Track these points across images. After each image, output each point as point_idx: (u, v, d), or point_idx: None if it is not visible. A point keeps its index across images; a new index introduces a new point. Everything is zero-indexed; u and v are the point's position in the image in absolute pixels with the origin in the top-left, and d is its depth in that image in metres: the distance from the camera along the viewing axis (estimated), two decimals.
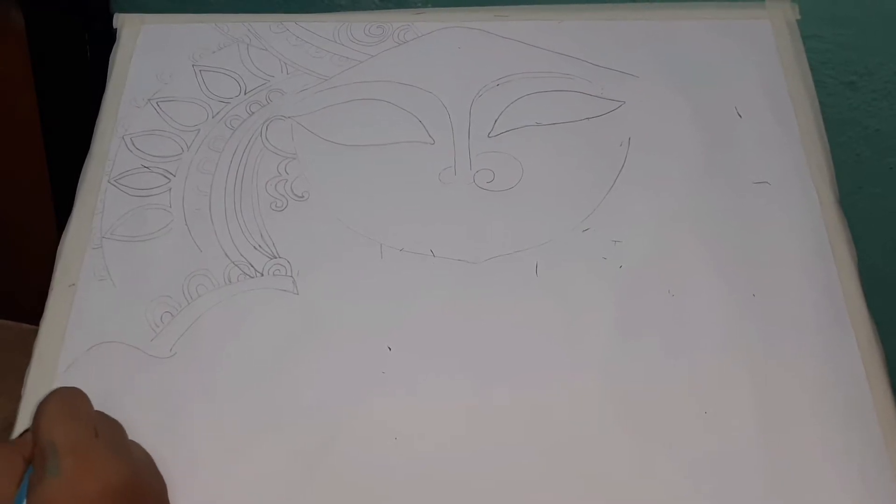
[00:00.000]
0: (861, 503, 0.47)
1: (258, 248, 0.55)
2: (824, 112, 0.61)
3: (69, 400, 0.43)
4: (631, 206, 0.56)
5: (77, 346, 0.52)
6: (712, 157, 0.58)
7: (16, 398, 0.51)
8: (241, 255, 0.55)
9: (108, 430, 0.43)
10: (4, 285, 1.01)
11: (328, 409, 0.50)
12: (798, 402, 0.50)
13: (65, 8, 0.81)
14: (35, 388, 0.51)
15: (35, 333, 0.53)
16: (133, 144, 0.59)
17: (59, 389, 0.44)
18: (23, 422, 0.50)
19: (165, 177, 0.58)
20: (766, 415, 0.49)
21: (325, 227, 0.56)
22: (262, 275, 0.54)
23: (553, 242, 0.55)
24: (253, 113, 0.61)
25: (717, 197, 0.57)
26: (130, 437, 0.47)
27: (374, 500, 0.47)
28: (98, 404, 0.50)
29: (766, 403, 0.50)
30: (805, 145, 0.59)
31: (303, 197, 0.57)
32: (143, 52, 0.63)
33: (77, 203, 0.57)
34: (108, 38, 0.64)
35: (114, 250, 0.55)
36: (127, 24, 0.64)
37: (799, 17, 0.63)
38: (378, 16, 0.65)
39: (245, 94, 0.61)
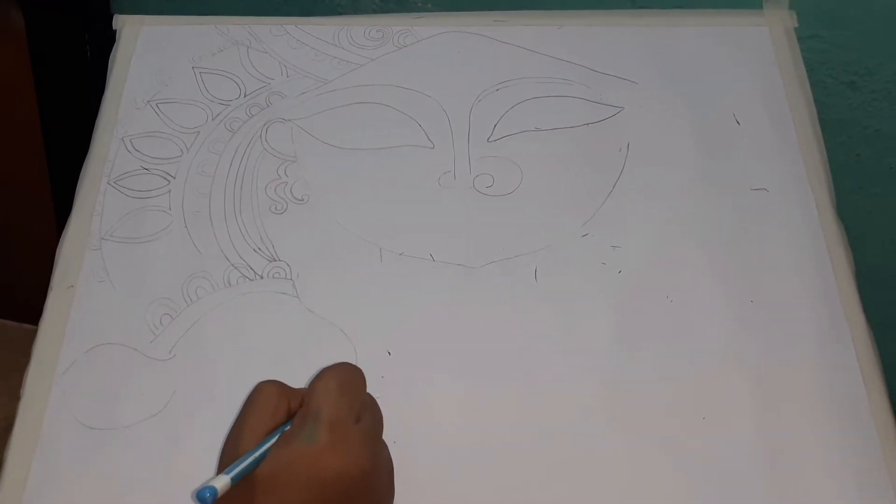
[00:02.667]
0: None
1: (258, 250, 0.55)
2: (824, 112, 0.61)
3: (348, 378, 0.43)
4: (630, 212, 0.56)
5: (76, 347, 0.52)
6: (710, 164, 0.58)
7: (17, 397, 0.51)
8: (241, 258, 0.55)
9: (370, 421, 0.43)
10: (4, 285, 1.01)
11: None
12: (795, 406, 0.50)
13: (65, 8, 0.81)
14: (33, 389, 0.51)
15: (35, 333, 0.53)
16: (132, 146, 0.59)
17: (344, 365, 0.44)
18: (22, 422, 0.50)
19: (165, 178, 0.58)
20: (763, 419, 0.50)
21: (325, 231, 0.56)
22: (262, 277, 0.54)
23: (552, 247, 0.55)
24: (253, 115, 0.61)
25: (715, 203, 0.57)
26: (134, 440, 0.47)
27: None
28: (97, 406, 0.50)
29: (764, 408, 0.50)
30: (803, 152, 0.59)
31: (302, 200, 0.57)
32: (143, 53, 0.63)
33: (76, 204, 0.57)
34: (108, 38, 0.64)
35: (113, 252, 0.55)
36: (127, 26, 0.64)
37: (797, 24, 0.63)
38: (378, 19, 0.65)
39: (245, 96, 0.61)
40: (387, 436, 0.49)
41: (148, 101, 0.61)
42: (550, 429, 0.49)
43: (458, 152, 0.59)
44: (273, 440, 0.41)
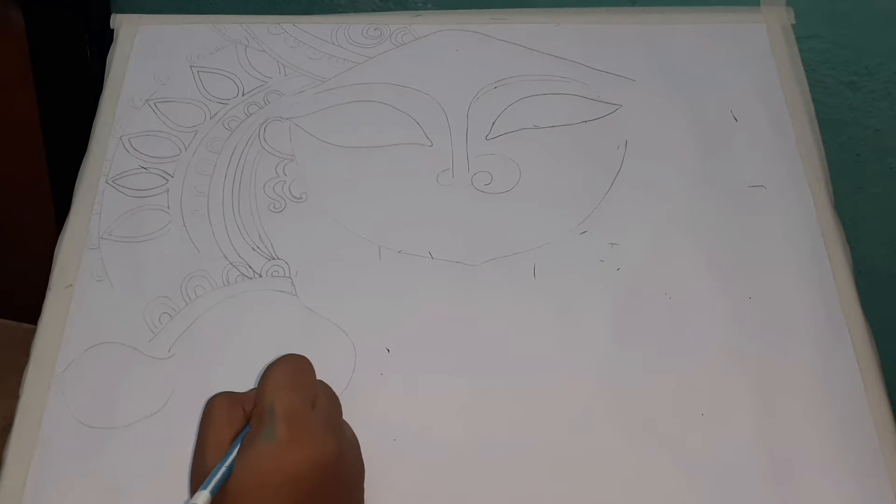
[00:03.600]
0: None
1: (256, 249, 0.55)
2: (824, 112, 0.61)
3: (295, 368, 0.44)
4: (628, 209, 0.56)
5: (75, 346, 0.52)
6: (708, 161, 0.58)
7: (16, 397, 0.51)
8: (240, 257, 0.55)
9: (326, 405, 0.44)
10: (4, 285, 1.01)
11: None
12: (794, 404, 0.50)
13: (65, 8, 0.81)
14: (33, 389, 0.51)
15: (34, 333, 0.53)
16: (131, 145, 0.59)
17: (288, 356, 0.44)
18: (22, 422, 0.50)
19: (163, 178, 0.58)
20: (762, 416, 0.50)
21: (324, 229, 0.56)
22: (261, 276, 0.54)
23: (550, 245, 0.55)
24: (251, 114, 0.61)
25: (713, 200, 0.57)
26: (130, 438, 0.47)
27: (373, 501, 0.48)
28: (96, 405, 0.50)
29: (762, 405, 0.50)
30: (800, 149, 0.59)
31: (301, 198, 0.57)
32: (141, 52, 0.63)
33: (74, 204, 0.57)
34: (108, 38, 0.64)
35: (112, 251, 0.55)
36: (125, 25, 0.65)
37: (794, 21, 0.63)
38: (376, 18, 0.65)
39: (243, 95, 0.61)
40: (386, 433, 0.49)
41: (146, 100, 0.61)
42: (549, 425, 0.50)
43: (457, 150, 0.59)
44: (235, 447, 0.41)
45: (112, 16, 0.65)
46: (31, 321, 0.53)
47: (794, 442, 0.49)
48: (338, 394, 0.50)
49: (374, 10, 0.74)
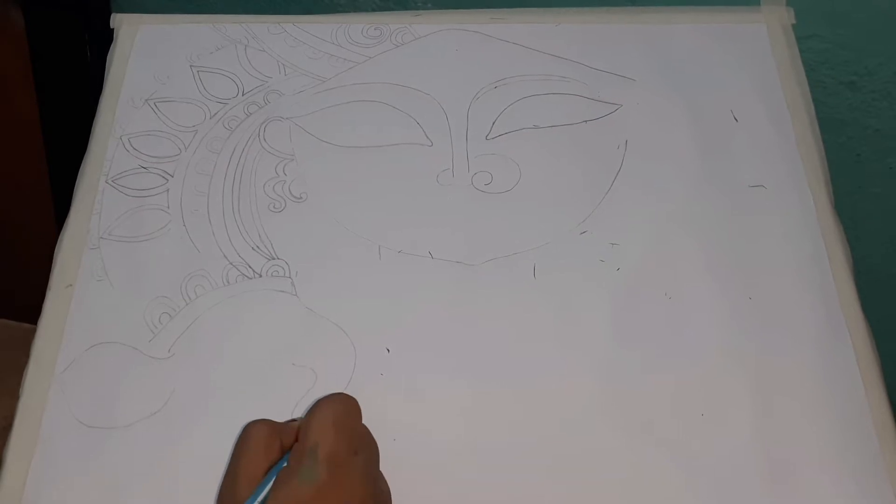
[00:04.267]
0: None
1: (256, 249, 0.55)
2: (824, 112, 0.61)
3: (344, 410, 0.43)
4: (628, 209, 0.56)
5: (75, 346, 0.52)
6: (709, 161, 0.58)
7: (16, 397, 0.51)
8: (240, 257, 0.55)
9: (367, 452, 0.43)
10: (4, 285, 1.01)
11: None
12: (794, 404, 0.50)
13: (65, 7, 0.81)
14: (33, 389, 0.51)
15: (34, 332, 0.53)
16: (131, 145, 0.59)
17: (339, 396, 0.44)
18: (22, 421, 0.50)
19: (163, 177, 0.58)
20: (761, 417, 0.50)
21: (324, 229, 0.56)
22: (261, 276, 0.54)
23: (550, 245, 0.55)
24: (251, 114, 0.61)
25: (713, 200, 0.57)
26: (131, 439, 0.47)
27: None
28: (96, 405, 0.50)
29: (762, 405, 0.50)
30: (801, 149, 0.59)
31: (301, 198, 0.57)
32: (141, 52, 0.63)
33: (74, 203, 0.57)
34: (108, 37, 0.64)
35: (112, 251, 0.55)
36: (124, 25, 0.64)
37: (794, 20, 0.63)
38: (376, 17, 0.65)
39: (243, 94, 0.61)
40: (386, 433, 0.49)
41: (146, 100, 0.61)
42: (548, 425, 0.49)
43: (457, 150, 0.59)
44: (272, 481, 0.40)
45: (112, 15, 0.65)
46: (31, 321, 0.53)
47: (794, 442, 0.49)
48: None
49: (374, 10, 0.74)
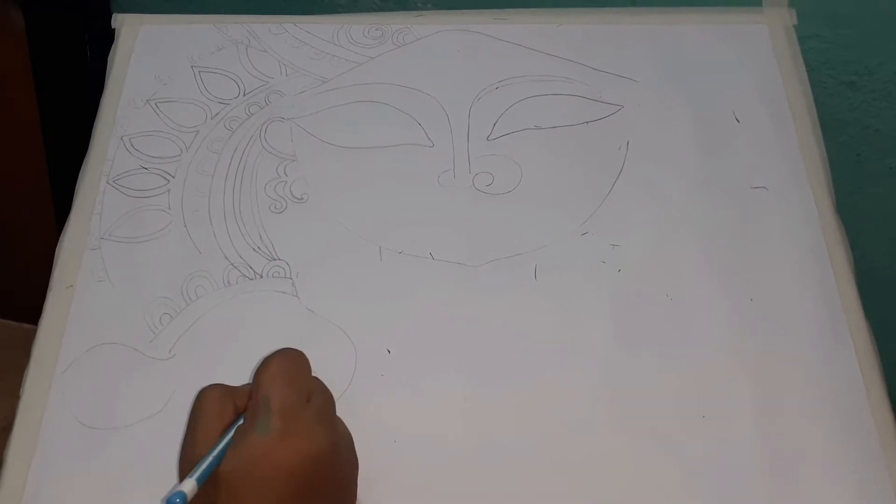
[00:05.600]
0: None
1: (257, 249, 0.55)
2: (824, 112, 0.61)
3: (291, 363, 0.44)
4: (629, 210, 0.56)
5: (76, 347, 0.52)
6: (710, 162, 0.58)
7: (16, 397, 0.51)
8: (241, 257, 0.55)
9: (320, 400, 0.44)
10: (4, 285, 1.01)
11: None
12: (795, 405, 0.50)
13: (65, 8, 0.81)
14: (33, 389, 0.51)
15: (35, 333, 0.53)
16: (132, 145, 0.59)
17: (284, 351, 0.45)
18: (22, 422, 0.50)
19: (164, 178, 0.58)
20: (763, 418, 0.50)
21: (325, 230, 0.56)
22: (262, 277, 0.54)
23: (552, 246, 0.55)
24: (252, 114, 0.61)
25: (715, 201, 0.57)
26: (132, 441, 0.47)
27: (374, 501, 0.48)
28: (97, 405, 0.50)
29: (764, 407, 0.50)
30: (802, 150, 0.59)
31: (302, 199, 0.57)
32: (142, 52, 0.63)
33: (75, 204, 0.57)
34: (108, 38, 0.64)
35: (112, 251, 0.55)
36: (126, 25, 0.64)
37: (796, 21, 0.63)
38: (377, 18, 0.65)
39: (244, 95, 0.61)
40: (387, 434, 0.49)
41: (147, 101, 0.61)
42: (550, 427, 0.49)
43: (458, 151, 0.59)
44: (228, 438, 0.41)
45: (113, 15, 0.65)
46: (32, 321, 0.53)
47: (795, 442, 0.49)
48: (338, 395, 0.50)
49: (374, 10, 0.74)
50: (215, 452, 0.41)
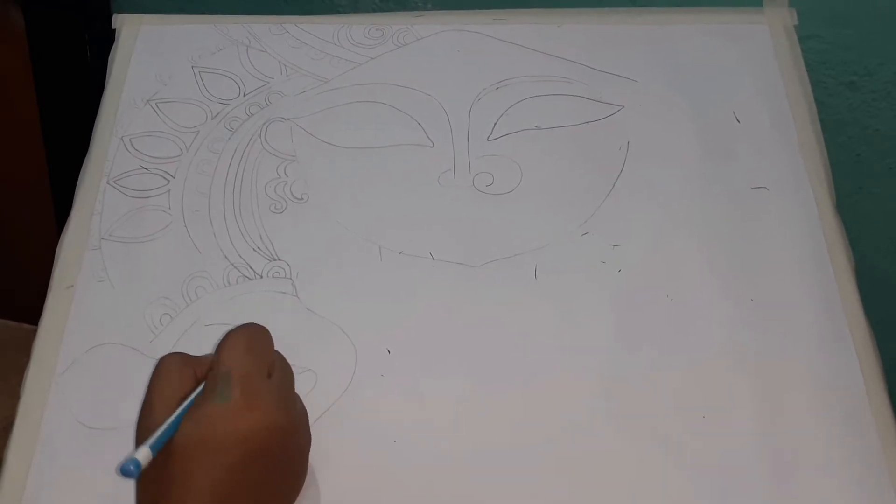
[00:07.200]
0: None
1: (257, 250, 0.55)
2: (824, 112, 0.61)
3: (254, 336, 0.44)
4: (630, 210, 0.56)
5: (76, 347, 0.52)
6: (711, 162, 0.58)
7: (17, 397, 0.51)
8: (241, 257, 0.55)
9: (281, 375, 0.44)
10: (4, 285, 1.01)
11: (327, 411, 0.50)
12: (795, 405, 0.50)
13: (65, 8, 0.81)
14: (33, 389, 0.51)
15: (35, 333, 0.53)
16: (132, 145, 0.59)
17: (248, 325, 0.45)
18: (22, 422, 0.50)
19: (164, 178, 0.58)
20: (763, 418, 0.50)
21: (325, 230, 0.56)
22: (262, 277, 0.54)
23: (552, 246, 0.55)
24: (252, 115, 0.61)
25: (715, 202, 0.57)
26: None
27: (374, 502, 0.48)
28: (97, 405, 0.50)
29: (764, 407, 0.50)
30: (803, 151, 0.59)
31: (302, 199, 0.57)
32: (143, 52, 0.63)
33: (76, 204, 0.57)
34: (108, 38, 0.64)
35: (112, 251, 0.55)
36: (126, 25, 0.64)
37: (796, 21, 0.63)
38: (377, 18, 0.65)
39: (244, 95, 0.61)
40: (387, 434, 0.49)
41: (147, 101, 0.61)
42: (550, 427, 0.49)
43: (458, 151, 0.59)
44: (186, 405, 0.42)
45: (114, 16, 0.65)
46: (32, 322, 0.53)
47: (796, 442, 0.49)
48: (338, 395, 0.50)
49: (374, 11, 0.74)
50: (171, 420, 0.41)
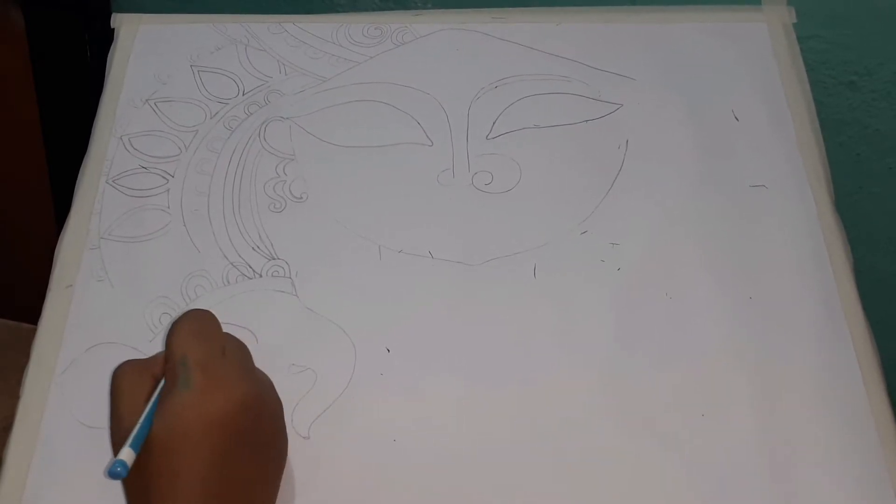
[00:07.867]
0: None
1: (257, 249, 0.55)
2: (824, 112, 0.61)
3: (200, 321, 0.45)
4: (629, 209, 0.56)
5: (75, 346, 0.52)
6: (709, 161, 0.58)
7: (16, 397, 0.51)
8: (240, 257, 0.55)
9: (235, 351, 0.45)
10: (4, 284, 1.01)
11: (326, 410, 0.50)
12: (794, 404, 0.50)
13: (65, 8, 0.81)
14: (33, 389, 0.51)
15: (35, 333, 0.53)
16: (131, 145, 0.59)
17: (192, 311, 0.46)
18: (22, 422, 0.50)
19: (163, 177, 0.58)
20: (762, 416, 0.50)
21: (324, 229, 0.56)
22: (261, 276, 0.54)
23: (551, 245, 0.55)
24: (251, 114, 0.61)
25: (714, 200, 0.57)
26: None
27: (374, 501, 0.48)
28: (96, 405, 0.50)
29: (763, 405, 0.50)
30: (801, 149, 0.59)
31: (301, 198, 0.57)
32: (141, 52, 0.63)
33: (75, 203, 0.57)
34: (108, 38, 0.64)
35: (112, 251, 0.55)
36: (125, 24, 0.64)
37: (795, 19, 0.63)
38: (376, 17, 0.65)
39: (243, 94, 0.61)
40: (386, 433, 0.49)
41: (146, 100, 0.61)
42: (549, 426, 0.49)
43: (457, 150, 0.59)
44: (153, 402, 0.42)
45: (112, 15, 0.65)
46: (32, 321, 0.53)
47: (795, 441, 0.49)
48: (337, 394, 0.50)
49: (373, 10, 0.74)
50: (143, 417, 0.41)
